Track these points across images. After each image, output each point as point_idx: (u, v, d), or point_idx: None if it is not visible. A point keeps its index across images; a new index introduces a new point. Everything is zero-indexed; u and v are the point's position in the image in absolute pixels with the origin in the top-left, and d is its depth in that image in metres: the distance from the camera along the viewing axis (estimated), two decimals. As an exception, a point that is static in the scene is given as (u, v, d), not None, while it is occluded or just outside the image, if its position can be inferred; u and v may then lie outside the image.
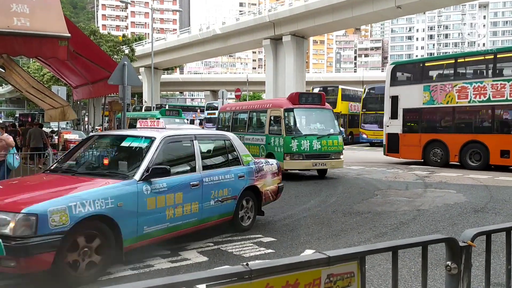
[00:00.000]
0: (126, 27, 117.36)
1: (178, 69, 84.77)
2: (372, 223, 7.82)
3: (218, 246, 6.19)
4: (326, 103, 14.36)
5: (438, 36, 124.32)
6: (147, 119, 7.04)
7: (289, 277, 1.62)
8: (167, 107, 35.71)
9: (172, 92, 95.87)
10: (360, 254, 1.70)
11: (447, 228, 7.50)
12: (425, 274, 2.00)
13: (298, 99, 13.67)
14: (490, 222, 7.82)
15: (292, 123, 13.63)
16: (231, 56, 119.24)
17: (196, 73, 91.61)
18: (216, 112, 37.90)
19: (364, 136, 30.97)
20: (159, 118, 18.81)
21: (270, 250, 6.02)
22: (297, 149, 13.03)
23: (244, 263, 1.56)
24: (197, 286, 1.50)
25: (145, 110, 34.67)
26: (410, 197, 10.48)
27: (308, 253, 1.71)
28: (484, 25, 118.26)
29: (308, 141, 13.11)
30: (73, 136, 21.60)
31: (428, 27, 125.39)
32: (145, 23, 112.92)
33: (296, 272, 1.63)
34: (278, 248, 6.14)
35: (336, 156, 13.56)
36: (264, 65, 62.80)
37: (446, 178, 13.81)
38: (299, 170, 14.03)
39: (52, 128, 27.95)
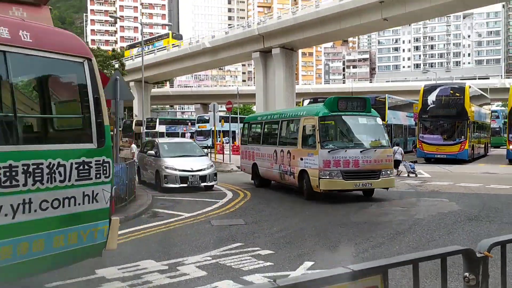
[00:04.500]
0: (116, 42, 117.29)
1: (168, 82, 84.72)
2: (368, 233, 7.81)
3: (216, 260, 6.12)
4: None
5: (424, 48, 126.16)
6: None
7: (314, 292, 1.58)
8: (157, 120, 34.91)
9: (162, 106, 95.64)
10: (383, 268, 1.68)
11: (443, 237, 7.52)
12: (445, 286, 1.98)
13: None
14: (485, 231, 7.86)
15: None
16: (220, 69, 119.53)
17: (186, 87, 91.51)
18: (207, 125, 37.62)
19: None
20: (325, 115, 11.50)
21: (268, 263, 5.96)
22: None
23: (272, 280, 1.52)
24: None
25: (135, 125, 33.94)
26: (405, 207, 10.50)
27: (334, 269, 1.68)
28: (469, 36, 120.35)
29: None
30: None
31: (414, 39, 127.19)
32: (135, 37, 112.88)
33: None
34: (276, 261, 6.08)
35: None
36: (254, 77, 62.98)
37: (438, 187, 13.89)
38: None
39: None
